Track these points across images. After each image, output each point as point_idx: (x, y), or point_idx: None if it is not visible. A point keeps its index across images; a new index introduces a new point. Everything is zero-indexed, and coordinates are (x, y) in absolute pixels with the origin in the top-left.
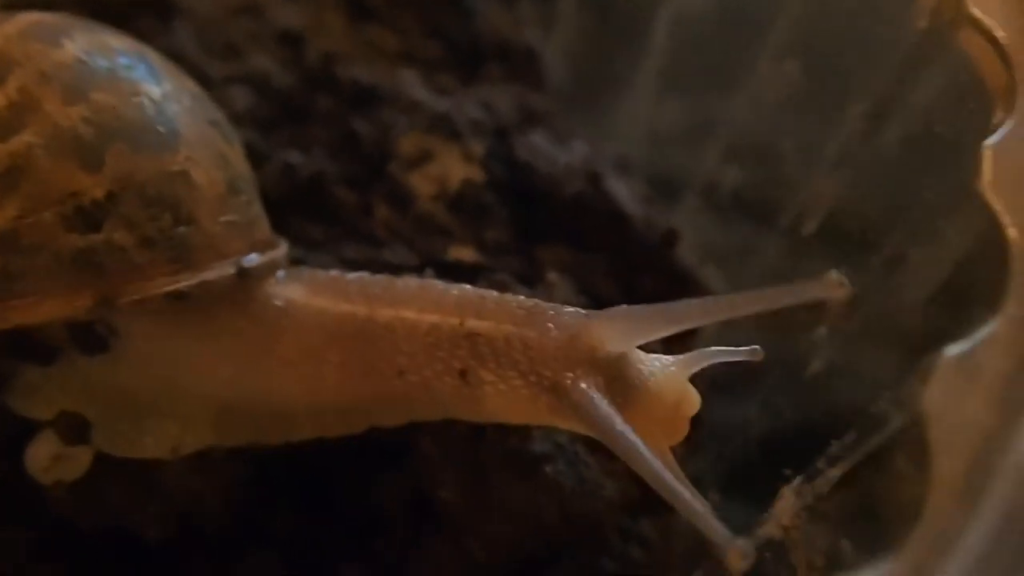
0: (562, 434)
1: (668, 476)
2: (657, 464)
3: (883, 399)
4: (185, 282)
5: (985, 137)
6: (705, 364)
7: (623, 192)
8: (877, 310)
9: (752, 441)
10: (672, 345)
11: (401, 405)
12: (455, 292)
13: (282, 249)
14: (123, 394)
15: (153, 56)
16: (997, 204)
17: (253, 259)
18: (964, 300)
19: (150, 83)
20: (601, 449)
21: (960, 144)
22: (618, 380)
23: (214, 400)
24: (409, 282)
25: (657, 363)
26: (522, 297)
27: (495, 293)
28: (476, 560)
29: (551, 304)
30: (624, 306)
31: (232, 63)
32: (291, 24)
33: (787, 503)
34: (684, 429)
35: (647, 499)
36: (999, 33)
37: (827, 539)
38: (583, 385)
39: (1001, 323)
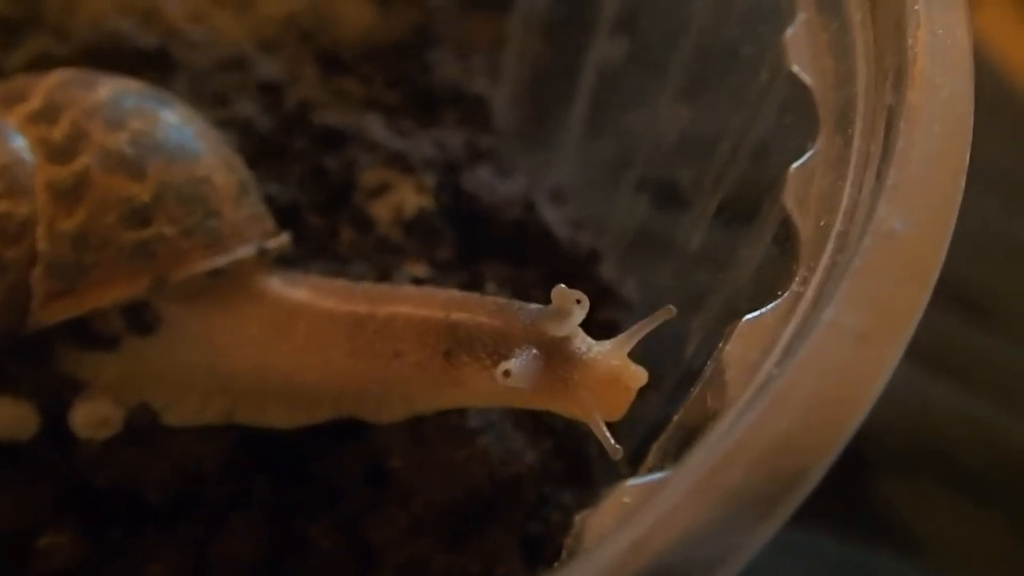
0: (494, 412)
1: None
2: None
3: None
4: (220, 262)
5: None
6: (636, 339)
7: (554, 218)
8: (723, 299)
9: (650, 421)
10: None
11: (400, 388)
12: (443, 294)
13: (286, 237)
14: (183, 373)
15: (164, 93)
16: (794, 212)
17: (268, 243)
18: (769, 284)
19: (169, 112)
20: (525, 426)
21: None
22: (559, 355)
23: (250, 380)
24: (408, 288)
25: (596, 344)
26: (497, 298)
27: (477, 294)
28: (420, 517)
29: (518, 303)
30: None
31: (220, 110)
32: (271, 76)
33: (651, 452)
34: (626, 400)
35: (568, 473)
36: (809, 82)
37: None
38: (524, 354)
39: (786, 298)
